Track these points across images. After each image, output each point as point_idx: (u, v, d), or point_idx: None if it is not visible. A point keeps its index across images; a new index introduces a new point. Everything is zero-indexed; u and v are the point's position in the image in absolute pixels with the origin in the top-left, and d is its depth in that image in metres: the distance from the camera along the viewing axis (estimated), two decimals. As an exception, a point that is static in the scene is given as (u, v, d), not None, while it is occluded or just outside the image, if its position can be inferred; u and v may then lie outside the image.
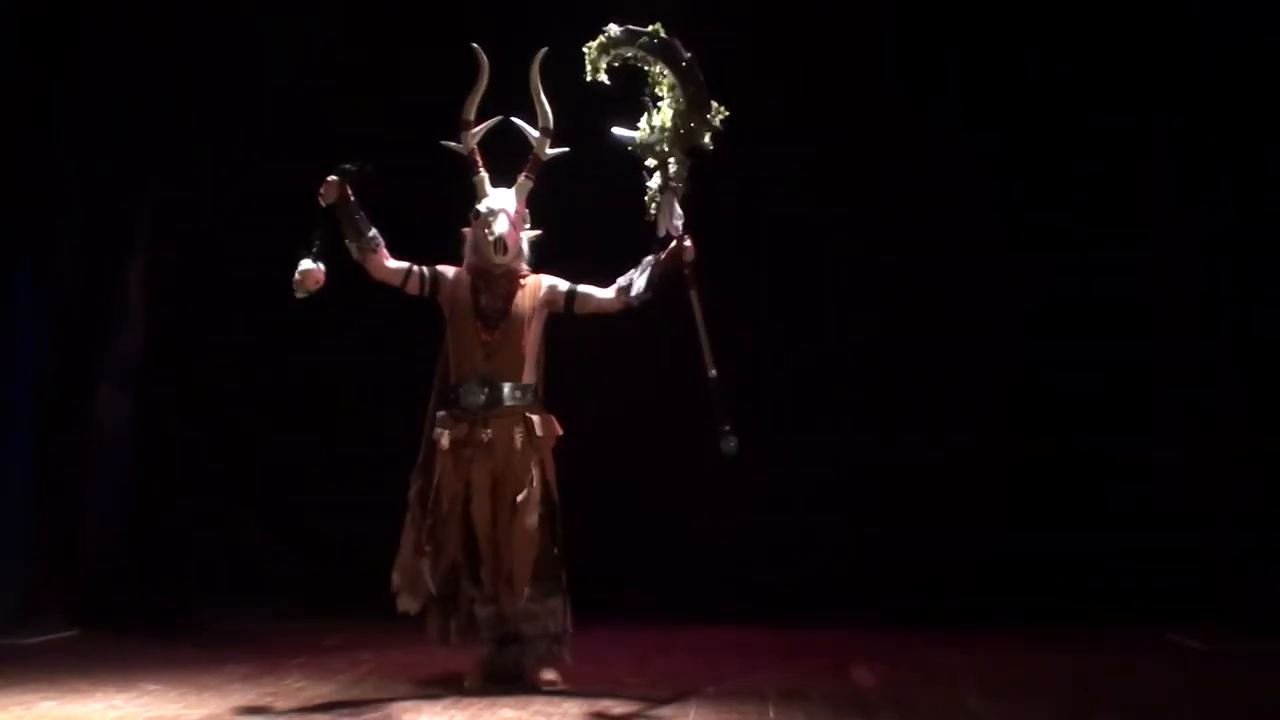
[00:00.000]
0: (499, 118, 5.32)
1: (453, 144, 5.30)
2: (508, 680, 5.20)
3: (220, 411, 7.89)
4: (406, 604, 5.24)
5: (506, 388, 5.18)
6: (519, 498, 5.12)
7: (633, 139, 5.29)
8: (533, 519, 5.12)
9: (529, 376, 5.23)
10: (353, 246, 5.21)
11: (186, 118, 7.72)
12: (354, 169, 5.13)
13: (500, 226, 5.19)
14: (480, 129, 5.30)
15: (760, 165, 7.35)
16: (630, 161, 5.32)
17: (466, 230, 5.33)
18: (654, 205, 5.25)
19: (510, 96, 5.33)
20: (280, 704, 4.99)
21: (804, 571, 7.53)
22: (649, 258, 5.28)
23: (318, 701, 5.02)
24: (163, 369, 7.70)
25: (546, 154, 5.34)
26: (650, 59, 5.24)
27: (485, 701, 4.95)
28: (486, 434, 5.14)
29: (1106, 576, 7.35)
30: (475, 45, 5.33)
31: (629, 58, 5.25)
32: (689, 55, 5.22)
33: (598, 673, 5.48)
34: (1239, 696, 5.34)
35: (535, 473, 5.17)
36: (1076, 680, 5.62)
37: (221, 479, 7.82)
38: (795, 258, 7.80)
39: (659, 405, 7.32)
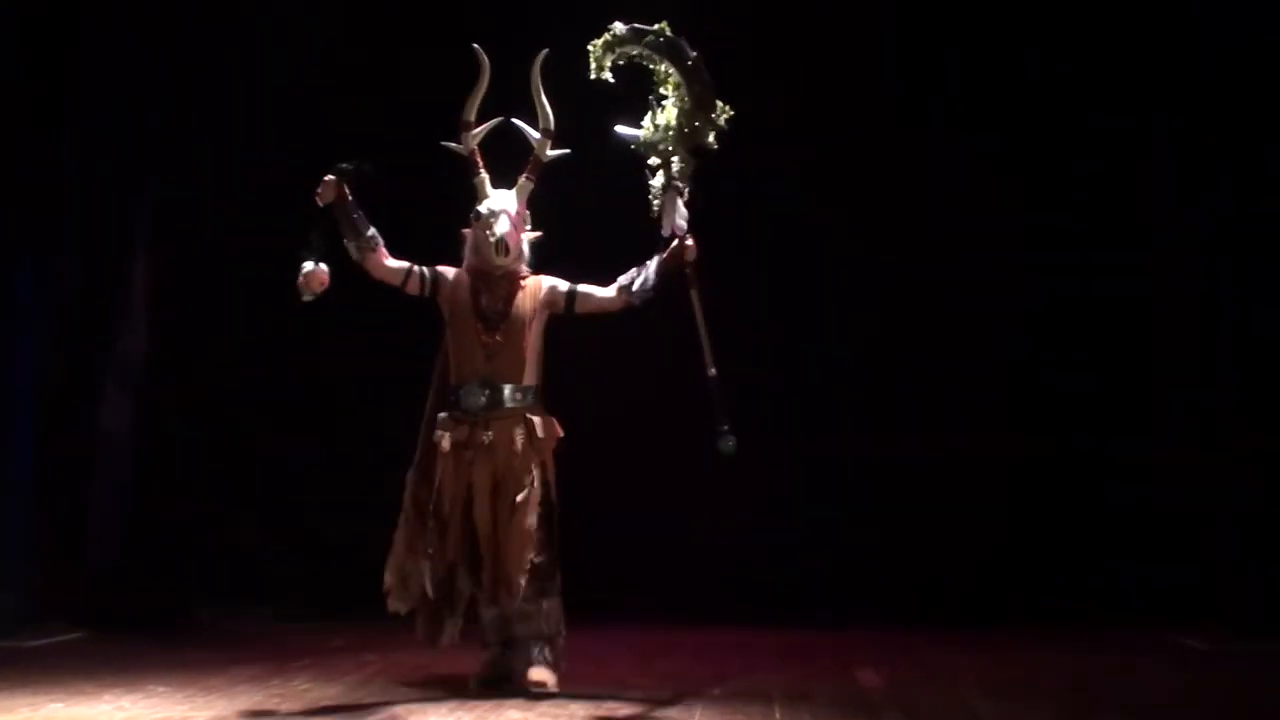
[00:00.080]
0: (500, 119, 5.30)
1: (453, 145, 5.29)
2: (513, 682, 5.19)
3: (220, 412, 7.89)
4: (397, 604, 5.22)
5: (507, 389, 5.17)
6: (519, 498, 5.11)
7: (636, 137, 5.29)
8: (531, 519, 5.10)
9: (530, 378, 5.23)
10: (351, 246, 5.19)
11: (187, 118, 7.72)
12: (351, 168, 5.12)
13: (502, 228, 5.18)
14: (481, 130, 5.29)
15: (760, 165, 7.34)
16: (630, 162, 5.32)
17: (466, 231, 5.31)
18: (657, 205, 5.25)
19: (511, 97, 5.32)
20: (287, 706, 4.98)
21: (804, 571, 7.53)
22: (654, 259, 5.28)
23: (324, 703, 5.02)
24: (163, 369, 7.70)
25: (547, 155, 5.32)
26: (656, 57, 5.23)
27: (491, 704, 4.95)
28: (488, 436, 5.12)
29: (1106, 576, 7.36)
30: (476, 46, 5.32)
31: (634, 56, 5.24)
32: (695, 54, 5.21)
33: (600, 673, 5.49)
34: (1239, 696, 5.34)
35: (535, 474, 5.16)
36: (1076, 680, 5.63)
37: (221, 479, 7.82)
38: (795, 258, 7.81)
39: (659, 405, 7.33)
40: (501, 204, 5.25)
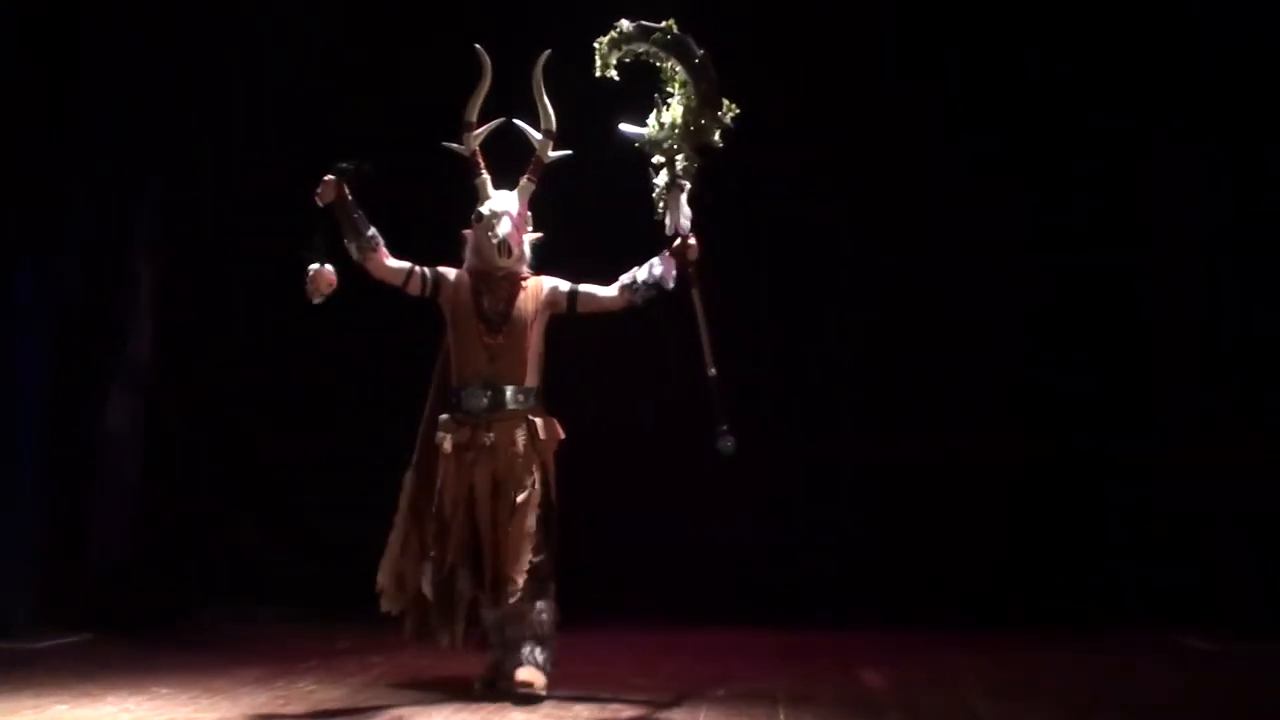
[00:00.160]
0: (501, 119, 5.29)
1: (454, 145, 5.28)
2: (502, 683, 5.17)
3: (222, 412, 7.89)
4: (389, 604, 5.22)
5: (509, 391, 5.16)
6: (519, 499, 5.11)
7: (641, 135, 5.29)
8: (530, 520, 5.09)
9: (531, 379, 5.22)
10: (352, 246, 5.18)
11: (187, 118, 7.72)
12: (350, 168, 5.11)
13: (504, 229, 5.17)
14: (482, 131, 5.28)
15: (761, 165, 7.34)
16: (631, 162, 5.32)
17: (467, 232, 5.31)
18: (662, 203, 5.25)
19: (512, 98, 5.32)
20: (292, 708, 4.99)
21: (804, 571, 7.54)
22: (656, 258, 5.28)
23: (329, 705, 5.02)
24: (164, 370, 7.70)
25: (549, 156, 5.32)
26: (662, 55, 5.22)
27: (495, 706, 4.95)
28: (489, 438, 5.11)
29: (1106, 576, 7.37)
30: (478, 46, 5.31)
31: (640, 53, 5.23)
32: (701, 52, 5.21)
33: (602, 674, 5.49)
34: (1239, 696, 5.35)
35: (536, 475, 5.15)
36: (1076, 680, 5.64)
37: (223, 480, 7.83)
38: (795, 258, 7.81)
39: (659, 405, 7.33)
40: (503, 205, 5.24)
